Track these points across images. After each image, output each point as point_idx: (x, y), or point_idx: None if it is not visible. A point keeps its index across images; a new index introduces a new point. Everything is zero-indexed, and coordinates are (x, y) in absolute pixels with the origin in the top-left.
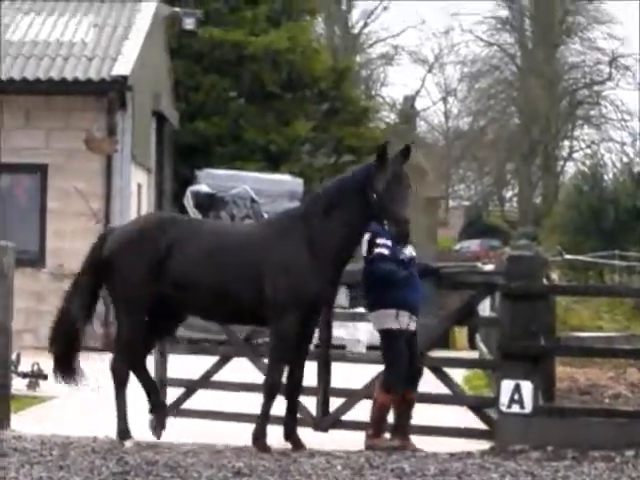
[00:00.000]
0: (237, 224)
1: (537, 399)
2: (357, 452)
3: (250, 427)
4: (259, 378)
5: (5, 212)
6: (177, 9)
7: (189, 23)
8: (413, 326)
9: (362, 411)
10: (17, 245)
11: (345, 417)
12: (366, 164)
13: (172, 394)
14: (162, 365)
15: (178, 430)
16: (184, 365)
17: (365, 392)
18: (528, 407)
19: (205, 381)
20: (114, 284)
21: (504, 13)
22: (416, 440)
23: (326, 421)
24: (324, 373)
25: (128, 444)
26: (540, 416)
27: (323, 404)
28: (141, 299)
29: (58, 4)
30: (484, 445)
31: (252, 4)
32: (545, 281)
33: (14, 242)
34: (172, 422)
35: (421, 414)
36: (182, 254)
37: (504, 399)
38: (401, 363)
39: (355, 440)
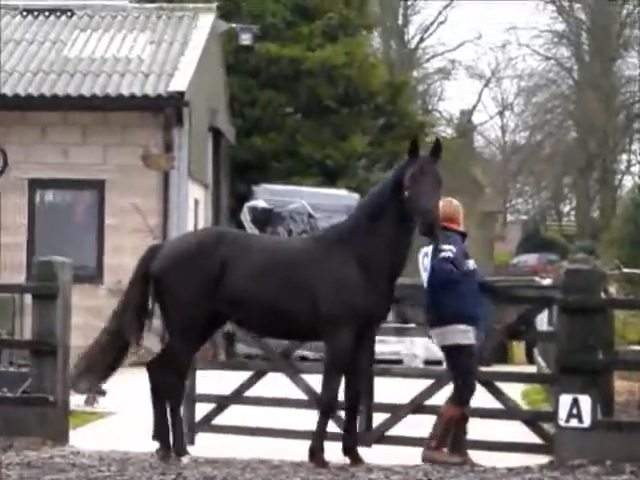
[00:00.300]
0: (287, 239)
1: (595, 413)
2: (415, 467)
3: (288, 442)
4: (293, 393)
5: (63, 228)
6: (234, 25)
7: (245, 39)
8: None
9: (406, 426)
10: (75, 261)
11: (389, 432)
12: (399, 164)
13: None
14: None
15: (229, 445)
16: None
17: (410, 407)
18: (586, 421)
19: (238, 397)
20: (166, 302)
21: (561, 27)
22: (472, 455)
23: (370, 436)
24: (367, 388)
25: (185, 460)
26: (598, 430)
27: (367, 419)
28: (195, 318)
29: (115, 20)
30: (542, 460)
31: (308, 19)
32: (603, 295)
33: (72, 258)
34: (223, 437)
35: (476, 429)
36: (236, 271)
37: (562, 413)
38: (472, 378)
39: (400, 455)
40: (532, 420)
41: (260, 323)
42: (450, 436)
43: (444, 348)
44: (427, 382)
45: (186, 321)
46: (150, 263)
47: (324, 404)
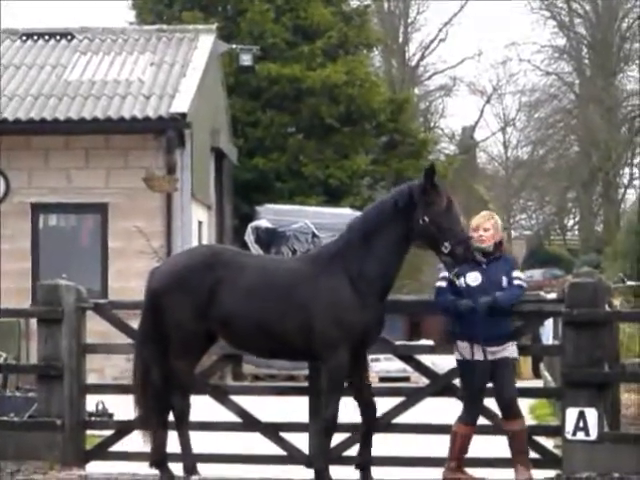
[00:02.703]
0: (282, 258)
1: (602, 426)
2: None
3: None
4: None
5: (67, 252)
6: (234, 45)
7: (246, 59)
8: (483, 356)
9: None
10: (80, 285)
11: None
12: (405, 186)
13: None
14: None
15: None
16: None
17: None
18: (593, 434)
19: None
20: (164, 321)
21: (561, 42)
22: (474, 472)
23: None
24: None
25: (195, 478)
26: (605, 443)
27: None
28: (191, 336)
29: (115, 43)
30: (549, 474)
31: (308, 39)
32: (608, 308)
33: (76, 282)
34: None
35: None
36: (228, 290)
37: (569, 427)
38: (470, 394)
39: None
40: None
41: (253, 343)
42: (466, 453)
43: (503, 362)
44: (395, 400)
45: (183, 339)
46: (151, 288)
47: (327, 423)
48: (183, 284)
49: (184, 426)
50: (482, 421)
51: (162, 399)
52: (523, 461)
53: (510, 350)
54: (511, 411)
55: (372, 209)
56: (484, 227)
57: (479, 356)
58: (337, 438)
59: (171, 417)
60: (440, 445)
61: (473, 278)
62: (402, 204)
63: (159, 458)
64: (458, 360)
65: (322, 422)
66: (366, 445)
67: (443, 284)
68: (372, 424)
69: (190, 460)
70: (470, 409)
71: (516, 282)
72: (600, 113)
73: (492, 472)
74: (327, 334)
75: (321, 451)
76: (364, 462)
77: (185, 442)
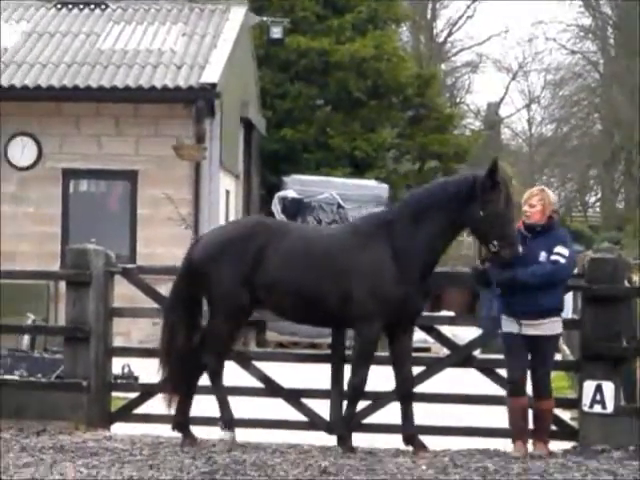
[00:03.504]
0: (325, 228)
1: (618, 399)
2: (442, 452)
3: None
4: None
5: (97, 217)
6: (265, 18)
7: (276, 32)
8: (519, 330)
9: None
10: (108, 249)
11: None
12: (470, 176)
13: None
14: None
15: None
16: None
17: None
18: (610, 407)
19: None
20: (209, 291)
21: (587, 21)
22: (490, 442)
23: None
24: (337, 376)
25: (228, 436)
26: (622, 416)
27: (336, 405)
28: (235, 303)
29: (148, 13)
30: (565, 445)
31: (338, 13)
32: (627, 284)
33: (105, 247)
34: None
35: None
36: (272, 260)
37: (586, 400)
38: (509, 366)
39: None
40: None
41: (294, 310)
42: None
43: (541, 338)
44: (416, 370)
45: (228, 306)
46: (192, 258)
47: (352, 390)
48: (230, 253)
49: (220, 384)
50: (496, 391)
51: (188, 364)
52: (543, 438)
53: (549, 326)
54: (540, 389)
55: (432, 188)
56: (530, 203)
57: (515, 329)
58: (358, 405)
59: (198, 381)
60: (463, 414)
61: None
62: (464, 193)
63: (182, 421)
64: (503, 334)
65: (348, 389)
66: (407, 415)
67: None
68: (406, 399)
69: (228, 415)
70: (515, 381)
71: (553, 257)
72: (624, 93)
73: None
74: (363, 305)
75: (345, 418)
76: (409, 432)
77: (222, 398)
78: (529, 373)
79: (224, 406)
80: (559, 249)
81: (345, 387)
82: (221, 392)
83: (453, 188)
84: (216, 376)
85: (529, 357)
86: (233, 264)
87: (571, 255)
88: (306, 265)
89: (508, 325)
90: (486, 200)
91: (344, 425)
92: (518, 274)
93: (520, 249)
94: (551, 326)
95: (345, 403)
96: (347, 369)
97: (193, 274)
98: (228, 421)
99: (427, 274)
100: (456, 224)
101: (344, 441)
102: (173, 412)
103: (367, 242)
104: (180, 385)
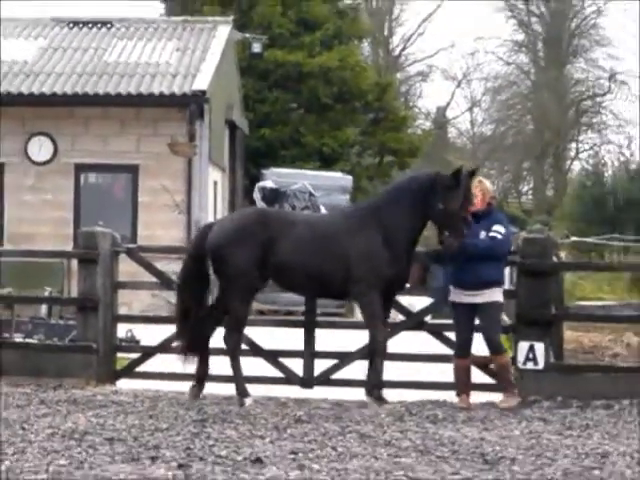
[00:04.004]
0: (323, 215)
1: (548, 357)
2: (399, 402)
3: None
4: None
5: (104, 205)
6: (247, 35)
7: (256, 47)
8: (463, 299)
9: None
10: (113, 232)
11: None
12: (429, 175)
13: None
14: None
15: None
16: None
17: (357, 355)
18: (541, 364)
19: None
20: (224, 272)
21: (521, 37)
22: (439, 394)
23: (312, 380)
24: (309, 338)
25: (248, 402)
26: (551, 372)
27: (309, 363)
28: (250, 282)
29: (147, 31)
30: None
31: (309, 30)
32: (555, 259)
33: (111, 229)
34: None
35: (439, 372)
36: (282, 244)
37: (521, 358)
38: (457, 331)
39: (346, 395)
40: (484, 362)
41: (302, 285)
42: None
43: (485, 305)
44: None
45: (242, 284)
46: (203, 240)
47: (378, 349)
48: (243, 238)
49: (237, 362)
50: (444, 351)
51: (200, 332)
52: (509, 390)
53: (489, 295)
54: (492, 347)
55: (405, 182)
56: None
57: (460, 299)
58: (326, 364)
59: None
60: (416, 370)
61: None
62: (426, 188)
63: (201, 374)
64: (451, 302)
65: (370, 352)
66: (373, 371)
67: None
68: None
69: (241, 386)
70: (460, 344)
71: (491, 234)
72: (551, 98)
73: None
74: (362, 280)
75: (377, 371)
76: (371, 387)
77: (238, 374)
78: (481, 336)
79: (239, 380)
80: (496, 227)
81: (316, 348)
82: (238, 369)
83: (419, 183)
84: (235, 353)
85: (477, 322)
86: (247, 249)
87: (507, 233)
88: (311, 248)
89: (456, 296)
90: (446, 197)
91: (376, 379)
92: (464, 244)
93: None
94: (491, 294)
95: (369, 364)
96: (317, 333)
97: (206, 257)
98: (242, 391)
99: (409, 252)
100: (423, 212)
101: (377, 397)
102: (178, 370)
103: (361, 227)
104: (194, 346)
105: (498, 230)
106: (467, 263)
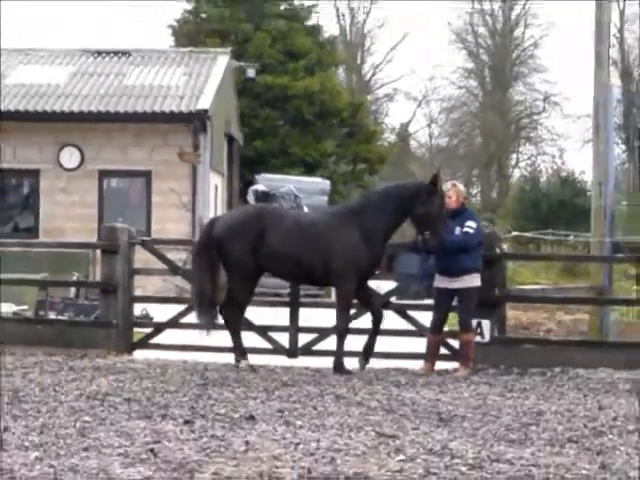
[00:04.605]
0: (308, 213)
1: (493, 332)
2: (367, 370)
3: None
4: None
5: (123, 204)
6: (242, 63)
7: (250, 73)
8: (443, 284)
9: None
10: (131, 227)
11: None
12: (414, 183)
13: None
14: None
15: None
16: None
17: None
18: (487, 338)
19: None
20: (227, 258)
21: (470, 65)
22: (401, 363)
23: (297, 350)
24: (294, 316)
25: (244, 364)
26: (495, 344)
27: (293, 337)
28: (247, 269)
29: (159, 59)
30: (455, 365)
31: (294, 59)
32: (498, 250)
33: (129, 225)
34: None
35: (408, 345)
36: (272, 236)
37: None
38: (435, 311)
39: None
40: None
41: (288, 273)
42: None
43: (463, 289)
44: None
45: (241, 271)
46: (211, 233)
47: (340, 330)
48: (241, 231)
49: (239, 330)
50: (406, 326)
51: (213, 309)
52: (465, 362)
53: (468, 280)
54: (464, 325)
55: (391, 189)
56: (448, 194)
57: (444, 285)
58: (308, 337)
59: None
60: (383, 343)
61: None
62: (411, 195)
63: (239, 351)
64: (434, 288)
65: (336, 331)
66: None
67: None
68: (376, 327)
69: (240, 351)
70: (435, 322)
71: (465, 229)
72: (496, 116)
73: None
74: (341, 269)
75: (338, 350)
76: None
77: (236, 341)
78: (457, 315)
79: (237, 345)
80: (469, 223)
81: (299, 324)
82: (237, 337)
83: (403, 191)
84: (237, 325)
85: (455, 304)
86: (243, 240)
87: (478, 227)
88: (297, 241)
89: (440, 282)
90: (427, 202)
91: (338, 356)
92: (443, 240)
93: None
94: (470, 280)
95: (300, 338)
96: (301, 311)
97: (213, 246)
98: (241, 354)
99: (383, 246)
100: (402, 215)
101: (340, 369)
102: (183, 342)
103: (342, 224)
104: (214, 322)
105: (470, 225)
106: (448, 255)
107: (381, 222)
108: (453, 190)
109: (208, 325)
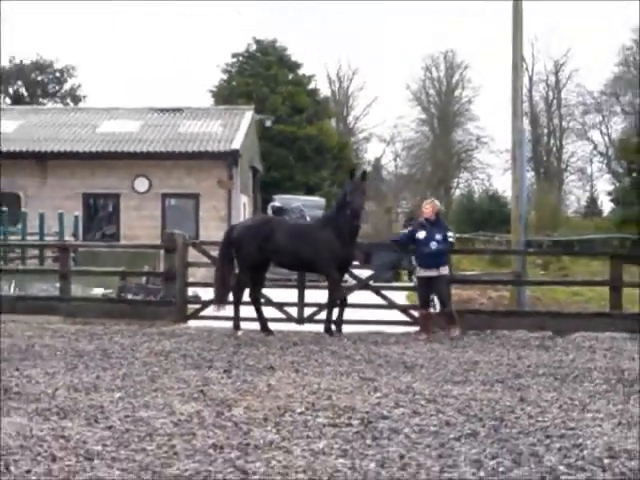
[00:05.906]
0: (303, 221)
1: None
2: (354, 334)
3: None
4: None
5: (179, 218)
6: (262, 116)
7: (268, 123)
8: (426, 274)
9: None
10: (185, 233)
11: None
12: (344, 184)
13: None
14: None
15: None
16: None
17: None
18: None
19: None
20: (239, 253)
21: (424, 116)
22: (382, 328)
23: (304, 319)
24: (301, 294)
25: (239, 333)
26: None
27: (300, 309)
28: (252, 260)
29: (203, 114)
30: (414, 329)
31: (299, 112)
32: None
33: (183, 231)
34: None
35: (382, 315)
36: (276, 237)
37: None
38: (419, 294)
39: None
40: (405, 309)
41: (289, 263)
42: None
43: (438, 277)
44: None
45: (248, 263)
46: (231, 234)
47: (331, 302)
48: (252, 233)
49: (238, 302)
50: (380, 301)
51: (234, 291)
52: (451, 325)
53: (442, 270)
54: (442, 303)
55: (340, 196)
56: (426, 207)
57: (424, 274)
58: (311, 310)
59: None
60: (364, 314)
61: (422, 234)
62: (343, 193)
63: (236, 323)
64: (417, 276)
65: (328, 301)
66: (340, 314)
67: (405, 231)
68: (342, 304)
69: (237, 321)
70: (422, 302)
71: (449, 239)
72: (443, 152)
73: (385, 328)
74: (325, 261)
75: (328, 317)
76: (328, 325)
77: (236, 314)
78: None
79: (260, 315)
80: (449, 234)
81: (305, 300)
82: (237, 313)
83: (343, 192)
84: (237, 299)
85: (432, 288)
86: (254, 239)
87: (452, 236)
88: (294, 240)
89: (421, 272)
90: (350, 192)
91: (327, 323)
92: (432, 247)
93: (424, 232)
94: (443, 270)
95: (307, 310)
96: (306, 292)
97: (232, 245)
98: (264, 326)
99: (353, 242)
100: (347, 207)
101: (329, 332)
102: (221, 314)
103: (323, 228)
104: (227, 301)
105: (450, 235)
106: (430, 255)
107: (345, 221)
108: (430, 204)
109: (222, 301)
